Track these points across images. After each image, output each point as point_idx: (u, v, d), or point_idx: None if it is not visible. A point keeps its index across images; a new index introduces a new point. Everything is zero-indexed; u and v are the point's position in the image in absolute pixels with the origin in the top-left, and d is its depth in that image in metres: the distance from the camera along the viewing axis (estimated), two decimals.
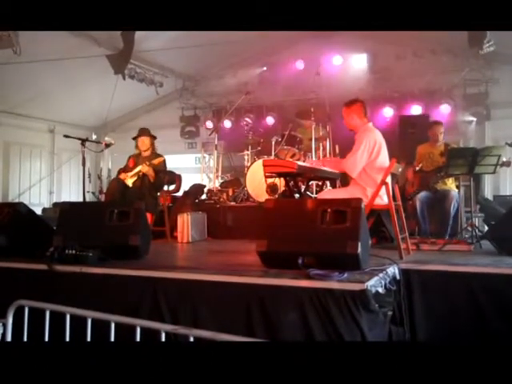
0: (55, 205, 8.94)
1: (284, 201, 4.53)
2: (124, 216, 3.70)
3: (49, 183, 10.02)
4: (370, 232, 3.32)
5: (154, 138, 5.76)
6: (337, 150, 6.74)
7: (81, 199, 5.51)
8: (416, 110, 8.02)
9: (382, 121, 7.83)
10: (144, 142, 5.66)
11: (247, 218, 5.76)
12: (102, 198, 7.51)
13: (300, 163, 4.18)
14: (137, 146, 5.74)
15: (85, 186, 5.33)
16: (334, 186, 5.87)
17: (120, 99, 8.65)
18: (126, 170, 5.61)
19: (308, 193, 5.83)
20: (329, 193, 4.41)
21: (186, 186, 7.32)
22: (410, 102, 8.05)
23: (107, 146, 5.70)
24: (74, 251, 3.35)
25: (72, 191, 10.18)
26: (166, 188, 6.02)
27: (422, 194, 5.11)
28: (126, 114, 10.38)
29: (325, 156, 6.58)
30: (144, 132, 5.73)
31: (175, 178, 6.33)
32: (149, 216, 5.02)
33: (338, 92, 7.77)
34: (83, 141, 5.31)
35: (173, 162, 8.17)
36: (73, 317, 2.26)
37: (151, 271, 3.11)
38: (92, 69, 7.72)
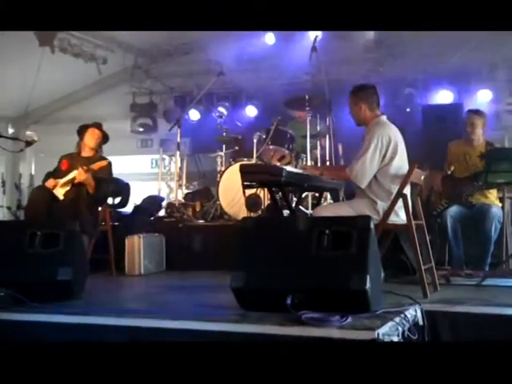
0: None
1: (268, 219, 4.54)
2: (51, 240, 3.67)
3: None
4: (383, 261, 3.33)
5: (106, 137, 5.74)
6: (340, 151, 6.79)
7: None
8: (445, 97, 8.13)
9: (398, 112, 7.91)
10: (95, 135, 5.64)
11: (220, 242, 5.73)
12: (22, 215, 7.41)
13: (290, 169, 4.19)
14: (80, 143, 5.68)
15: None
16: (335, 198, 5.90)
17: (47, 80, 8.59)
18: (56, 174, 5.55)
19: (301, 208, 5.85)
20: (328, 208, 4.44)
21: (137, 198, 7.28)
22: (437, 87, 8.16)
23: (28, 143, 5.62)
24: None
25: None
26: (110, 201, 5.97)
27: (454, 209, 5.12)
28: (55, 100, 10.32)
29: (324, 159, 6.61)
30: (96, 124, 5.71)
31: (122, 188, 6.28)
32: (86, 240, 4.98)
33: (341, 73, 7.85)
34: None
35: (120, 166, 8.12)
36: None
37: (87, 317, 3.08)
38: (8, 39, 7.63)
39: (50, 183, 5.42)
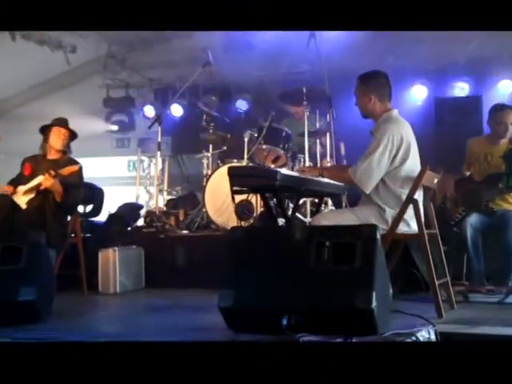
0: None
1: (261, 229, 4.53)
2: (12, 255, 3.67)
3: None
4: (391, 276, 3.35)
5: (73, 135, 5.73)
6: (342, 151, 6.80)
7: None
8: (461, 89, 8.17)
9: (409, 106, 7.94)
10: (60, 135, 5.61)
11: (206, 256, 5.75)
12: None
13: (286, 171, 4.20)
14: (44, 144, 5.67)
15: None
16: (338, 205, 5.91)
17: (7, 72, 8.55)
18: (19, 180, 5.53)
19: (298, 216, 5.85)
20: (329, 216, 4.42)
21: (112, 205, 7.27)
22: (452, 77, 8.20)
23: None
24: None
25: None
26: (80, 210, 5.95)
27: (474, 218, 5.12)
28: (16, 94, 10.29)
29: (324, 159, 6.62)
30: (61, 121, 5.69)
31: (95, 195, 6.28)
32: (53, 254, 4.96)
33: (344, 62, 7.87)
34: None
35: (92, 169, 8.11)
36: None
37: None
38: None
39: (10, 190, 5.39)
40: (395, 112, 4.14)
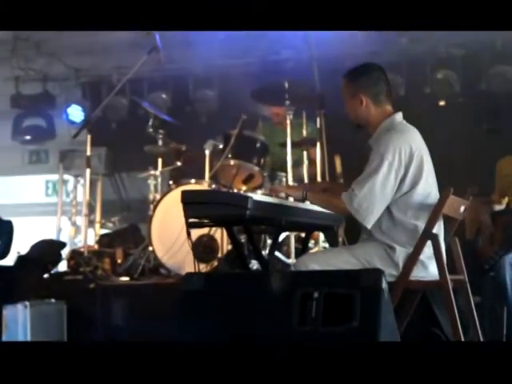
0: None
1: (226, 275, 4.54)
2: None
3: None
4: (405, 337, 3.41)
5: None
6: (338, 167, 6.83)
7: None
8: (499, 82, 8.22)
9: (428, 106, 8.01)
10: None
11: (153, 312, 5.73)
12: None
13: (260, 197, 4.22)
14: None
15: None
16: (332, 242, 5.92)
17: None
18: None
19: (279, 256, 5.87)
20: (319, 257, 4.40)
21: (23, 243, 7.24)
22: (487, 65, 8.27)
23: None
24: None
25: None
26: None
27: None
28: None
29: (314, 178, 6.64)
30: None
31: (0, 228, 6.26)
32: None
33: (340, 49, 7.95)
34: None
35: None
36: None
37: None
38: None
39: None
40: (398, 116, 4.17)
